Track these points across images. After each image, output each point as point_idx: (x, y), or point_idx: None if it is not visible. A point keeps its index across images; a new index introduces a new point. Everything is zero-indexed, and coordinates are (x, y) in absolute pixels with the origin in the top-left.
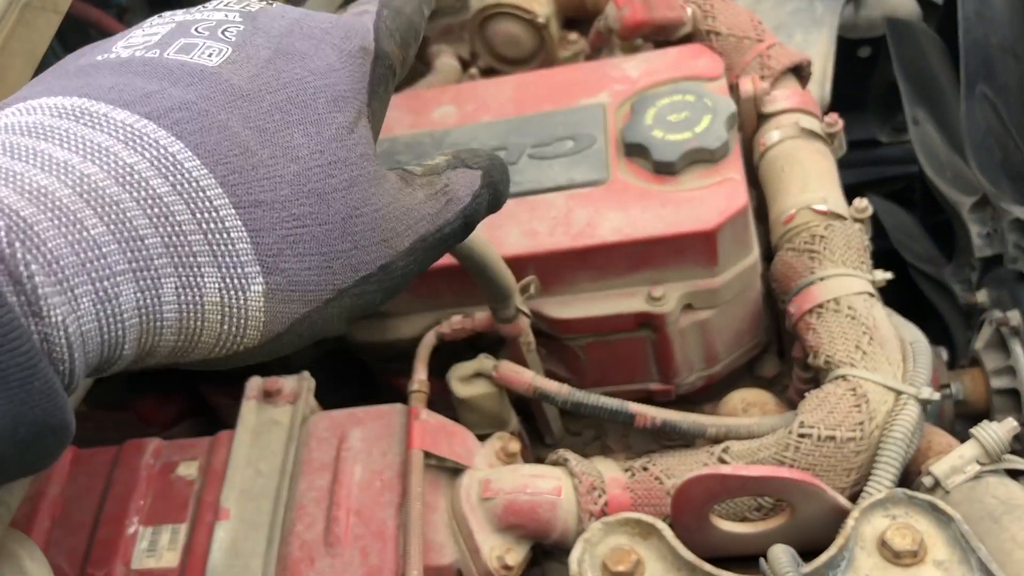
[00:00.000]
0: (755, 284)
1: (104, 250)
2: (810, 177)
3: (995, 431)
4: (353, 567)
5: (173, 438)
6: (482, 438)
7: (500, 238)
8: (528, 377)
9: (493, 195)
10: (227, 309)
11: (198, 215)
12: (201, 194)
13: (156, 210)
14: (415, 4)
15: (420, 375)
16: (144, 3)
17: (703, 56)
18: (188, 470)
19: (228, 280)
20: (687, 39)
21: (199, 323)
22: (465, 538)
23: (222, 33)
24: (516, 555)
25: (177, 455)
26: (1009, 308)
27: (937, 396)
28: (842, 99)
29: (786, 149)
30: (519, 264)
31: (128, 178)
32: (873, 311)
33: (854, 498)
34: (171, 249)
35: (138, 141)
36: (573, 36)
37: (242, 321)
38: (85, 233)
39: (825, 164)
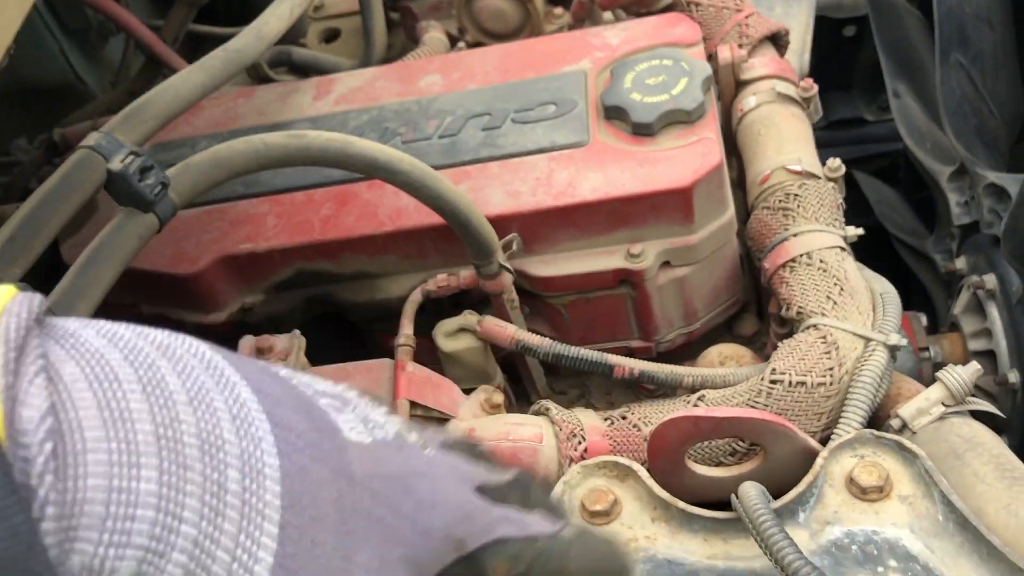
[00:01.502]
0: (731, 241)
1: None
2: (785, 139)
3: (960, 374)
4: None
5: None
6: (468, 393)
7: (484, 198)
8: (511, 331)
9: None
10: None
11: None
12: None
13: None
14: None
15: (407, 330)
16: None
17: (681, 24)
18: None
19: None
20: (668, 9)
21: None
22: None
23: (378, 429)
24: None
25: None
26: (986, 272)
27: (905, 342)
28: (828, 79)
29: (763, 113)
30: (503, 223)
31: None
32: (844, 264)
33: (824, 442)
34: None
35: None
36: (558, 11)
37: None
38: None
39: (800, 127)
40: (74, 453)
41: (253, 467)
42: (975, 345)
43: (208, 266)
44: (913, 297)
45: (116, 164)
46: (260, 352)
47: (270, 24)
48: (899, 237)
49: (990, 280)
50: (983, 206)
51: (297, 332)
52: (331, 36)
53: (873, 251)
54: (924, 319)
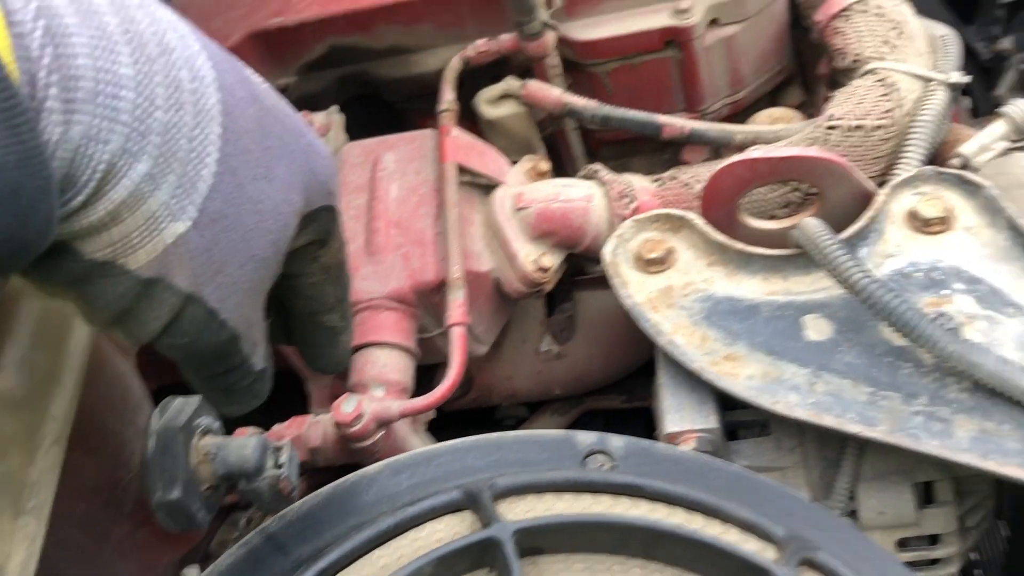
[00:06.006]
0: None
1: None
2: None
3: (1022, 107)
4: (396, 271)
5: None
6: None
7: None
8: (556, 93)
9: None
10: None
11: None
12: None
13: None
14: None
15: (448, 95)
16: None
17: None
18: None
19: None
20: None
21: None
22: (501, 246)
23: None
24: (552, 259)
25: None
26: None
27: (967, 79)
28: None
29: None
30: None
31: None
32: (901, 7)
33: (883, 187)
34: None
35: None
36: None
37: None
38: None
39: None
40: (63, 34)
41: (197, 73)
42: None
43: (238, 43)
44: None
45: None
46: None
47: None
48: None
49: None
50: None
51: (335, 108)
52: None
53: None
54: (968, 102)
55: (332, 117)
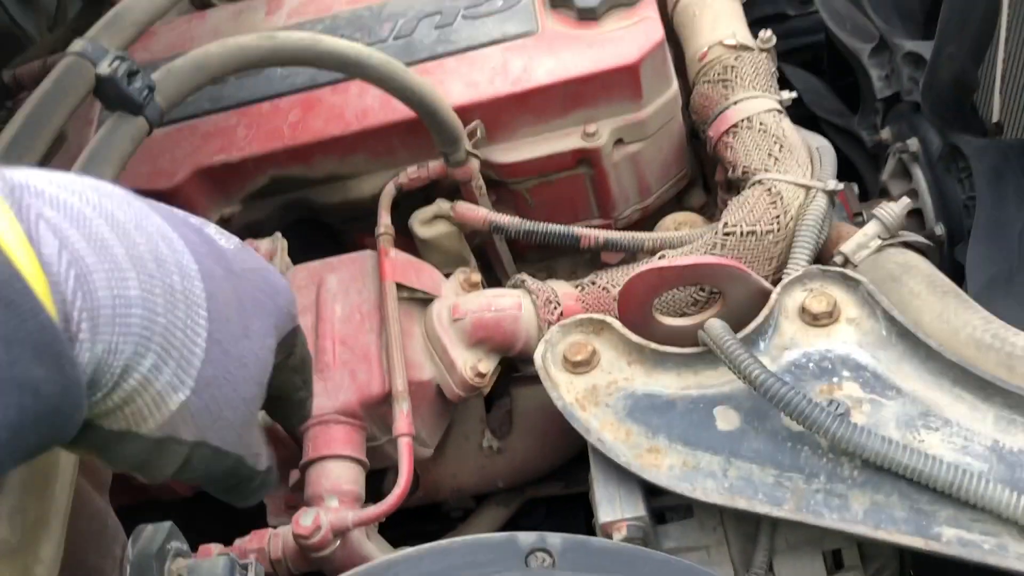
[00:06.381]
0: (677, 116)
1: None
2: (719, 17)
3: (892, 209)
4: (344, 386)
5: None
6: (446, 277)
7: (444, 92)
8: (483, 212)
9: None
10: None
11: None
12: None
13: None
14: None
15: (384, 220)
16: None
17: None
18: None
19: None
20: None
21: None
22: (440, 356)
23: (229, 239)
24: (488, 364)
25: None
26: (909, 137)
27: (841, 186)
28: None
29: None
30: (464, 114)
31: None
32: (782, 124)
33: (776, 284)
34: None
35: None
36: None
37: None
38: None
39: (731, 4)
40: (87, 275)
41: (185, 272)
42: None
43: (185, 179)
44: (844, 173)
45: (104, 68)
46: None
47: None
48: (827, 120)
49: (913, 143)
50: (903, 75)
51: (279, 234)
52: None
53: None
54: (856, 188)
55: (277, 243)
